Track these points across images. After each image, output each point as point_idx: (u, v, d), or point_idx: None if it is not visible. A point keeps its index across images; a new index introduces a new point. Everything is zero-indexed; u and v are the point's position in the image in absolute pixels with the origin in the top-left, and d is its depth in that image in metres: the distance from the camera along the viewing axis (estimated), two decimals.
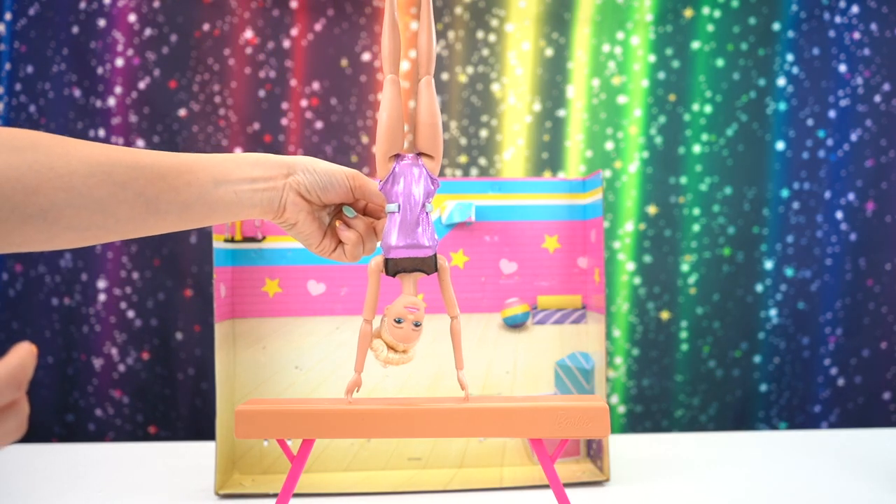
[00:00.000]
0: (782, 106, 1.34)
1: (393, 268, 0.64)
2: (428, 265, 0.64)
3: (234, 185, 0.61)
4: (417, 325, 0.63)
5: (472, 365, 0.99)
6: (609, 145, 1.34)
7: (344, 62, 1.32)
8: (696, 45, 1.34)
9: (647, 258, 1.34)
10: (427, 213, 0.63)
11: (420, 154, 0.65)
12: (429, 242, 0.63)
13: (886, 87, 1.33)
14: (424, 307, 0.64)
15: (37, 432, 1.28)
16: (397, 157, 0.64)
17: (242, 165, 0.62)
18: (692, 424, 1.35)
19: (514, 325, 1.00)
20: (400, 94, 0.64)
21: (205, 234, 1.29)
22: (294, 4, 1.31)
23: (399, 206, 0.63)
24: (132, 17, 1.29)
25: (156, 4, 1.29)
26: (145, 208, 0.58)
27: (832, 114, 1.34)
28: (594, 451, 0.98)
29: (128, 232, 0.59)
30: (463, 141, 1.33)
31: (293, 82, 1.31)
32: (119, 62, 1.29)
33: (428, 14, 0.64)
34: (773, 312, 1.35)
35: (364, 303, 0.64)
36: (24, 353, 0.44)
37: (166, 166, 0.59)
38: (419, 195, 0.63)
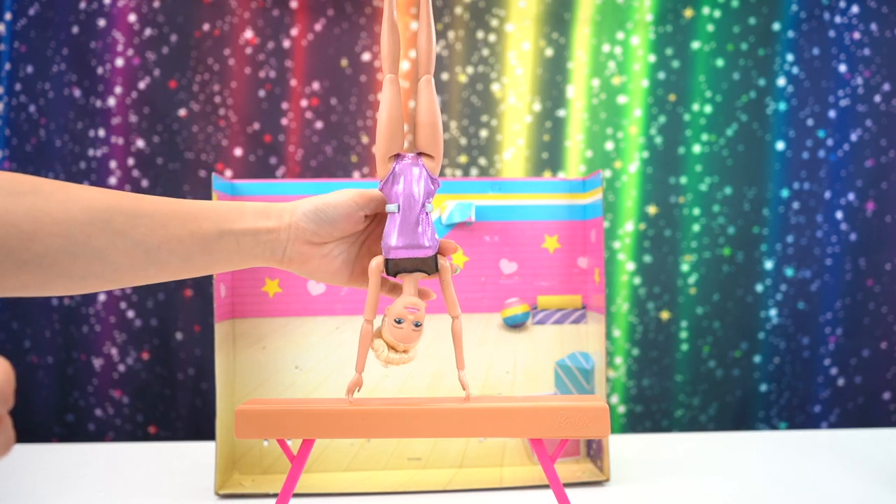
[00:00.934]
0: (782, 106, 1.34)
1: (393, 268, 0.63)
2: (428, 265, 0.63)
3: (238, 236, 0.61)
4: (418, 325, 0.63)
5: (472, 365, 0.99)
6: (609, 145, 1.34)
7: (344, 62, 1.32)
8: (696, 45, 1.34)
9: (647, 258, 1.34)
10: (427, 213, 0.63)
11: (420, 154, 0.65)
12: (429, 243, 0.63)
13: (886, 87, 1.33)
14: (425, 307, 0.64)
15: (37, 432, 1.28)
16: (397, 156, 0.64)
17: (246, 215, 0.61)
18: (692, 424, 1.35)
19: (514, 325, 1.00)
20: (400, 94, 0.64)
21: None
22: (294, 4, 1.31)
23: (399, 206, 0.63)
24: (132, 17, 1.29)
25: (156, 4, 1.29)
26: (145, 257, 0.57)
27: (832, 114, 1.34)
28: (594, 451, 0.98)
29: (126, 281, 0.58)
30: (463, 141, 1.33)
31: (293, 82, 1.31)
32: (119, 62, 1.29)
33: (427, 13, 0.64)
34: (773, 312, 1.35)
35: (365, 303, 0.64)
36: (3, 370, 0.41)
37: (168, 214, 0.58)
38: (419, 195, 0.63)
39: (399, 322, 0.62)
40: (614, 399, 1.34)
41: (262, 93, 1.31)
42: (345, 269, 0.66)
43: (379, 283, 0.64)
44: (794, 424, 1.35)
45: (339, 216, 0.63)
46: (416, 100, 0.65)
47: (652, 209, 1.34)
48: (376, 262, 0.64)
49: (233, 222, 0.60)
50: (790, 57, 1.34)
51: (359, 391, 0.64)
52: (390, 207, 0.63)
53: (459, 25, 1.33)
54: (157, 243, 0.57)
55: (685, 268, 1.34)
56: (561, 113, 1.34)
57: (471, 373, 0.99)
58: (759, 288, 1.34)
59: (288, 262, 0.64)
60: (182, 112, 1.29)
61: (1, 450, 0.43)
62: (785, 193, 1.34)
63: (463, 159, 1.33)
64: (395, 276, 0.64)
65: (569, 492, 0.66)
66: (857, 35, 1.33)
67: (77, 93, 1.29)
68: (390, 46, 0.64)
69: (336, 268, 0.66)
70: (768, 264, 1.34)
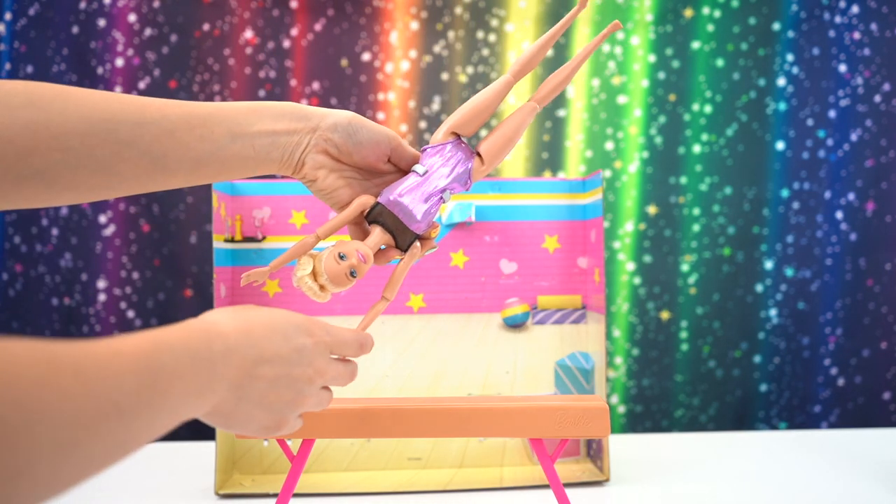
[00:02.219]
0: (782, 106, 1.34)
1: (375, 216, 0.60)
2: (403, 237, 0.61)
3: (253, 139, 0.56)
4: (353, 274, 0.58)
5: (472, 365, 0.99)
6: (609, 145, 1.34)
7: (344, 62, 1.32)
8: (696, 45, 1.34)
9: (647, 258, 1.34)
10: (441, 200, 0.62)
11: (477, 154, 0.64)
12: (422, 221, 0.61)
13: (886, 86, 1.33)
14: (370, 265, 0.59)
15: None
16: (458, 138, 0.63)
17: (264, 117, 0.57)
18: (692, 424, 1.35)
19: (514, 325, 1.00)
20: (502, 95, 0.64)
21: (205, 235, 1.29)
22: (294, 4, 1.31)
23: (425, 173, 0.62)
24: (132, 17, 1.29)
25: (156, 4, 1.29)
26: (152, 167, 0.54)
27: (832, 114, 1.34)
28: (594, 451, 0.98)
29: (133, 189, 0.55)
30: None
31: (293, 82, 1.31)
32: (119, 62, 1.29)
33: (581, 57, 0.64)
34: (773, 312, 1.35)
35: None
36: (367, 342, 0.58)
37: (176, 119, 0.54)
38: (448, 180, 0.62)
39: (341, 258, 0.57)
40: (614, 399, 1.34)
41: (262, 93, 1.31)
42: (344, 200, 0.62)
43: (352, 217, 0.61)
44: (794, 424, 1.35)
45: (368, 141, 0.60)
46: (512, 115, 0.64)
47: (652, 209, 1.34)
48: (364, 199, 0.61)
49: (248, 125, 0.56)
50: (790, 57, 1.34)
51: (258, 284, 0.60)
52: (417, 168, 0.62)
53: (459, 25, 1.33)
54: (163, 152, 0.53)
55: (685, 268, 1.35)
56: (561, 113, 1.34)
57: (471, 373, 0.99)
58: (759, 288, 1.34)
59: (299, 170, 0.59)
60: None
61: (345, 377, 0.57)
62: (785, 193, 1.34)
63: None
64: (370, 223, 0.61)
65: (569, 492, 0.66)
66: (857, 35, 1.33)
67: None
68: (530, 57, 0.64)
69: (338, 194, 0.61)
70: (768, 264, 1.34)
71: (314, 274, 0.58)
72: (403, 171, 0.64)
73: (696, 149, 1.34)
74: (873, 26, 1.33)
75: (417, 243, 0.62)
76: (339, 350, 0.56)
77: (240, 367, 0.48)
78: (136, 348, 0.39)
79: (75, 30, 1.28)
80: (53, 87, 0.51)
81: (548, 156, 1.34)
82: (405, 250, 0.62)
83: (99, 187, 0.53)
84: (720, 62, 1.34)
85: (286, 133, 0.58)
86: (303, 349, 0.52)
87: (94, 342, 0.37)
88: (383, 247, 0.62)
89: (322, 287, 0.58)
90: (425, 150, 0.63)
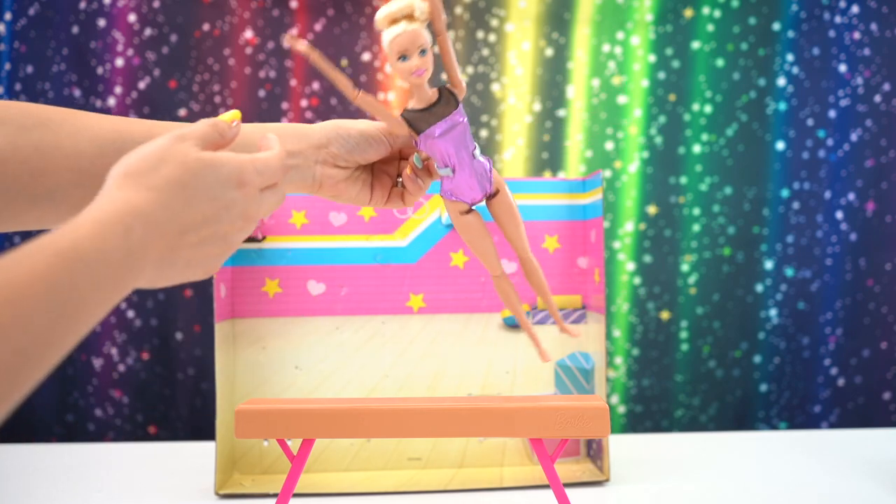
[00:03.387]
0: (782, 106, 1.34)
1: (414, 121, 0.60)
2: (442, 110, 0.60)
3: None
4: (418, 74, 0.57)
5: (472, 365, 0.99)
6: (609, 145, 1.34)
7: (344, 62, 1.32)
8: (696, 45, 1.34)
9: (647, 258, 1.34)
10: (472, 158, 0.62)
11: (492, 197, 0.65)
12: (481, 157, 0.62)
13: (886, 86, 1.33)
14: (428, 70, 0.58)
15: (37, 432, 1.28)
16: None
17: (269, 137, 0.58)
18: (692, 424, 1.34)
19: (515, 325, 1.00)
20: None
21: None
22: (294, 4, 1.31)
23: (453, 169, 0.62)
24: (132, 17, 1.29)
25: (156, 4, 1.29)
26: None
27: (832, 114, 1.34)
28: (594, 451, 0.98)
29: None
30: None
31: (293, 82, 1.31)
32: (119, 62, 1.29)
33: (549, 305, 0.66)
34: (773, 312, 1.35)
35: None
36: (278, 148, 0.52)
37: None
38: (468, 149, 0.62)
39: (403, 59, 0.57)
40: (614, 399, 1.34)
41: (262, 93, 1.31)
42: (365, 191, 0.64)
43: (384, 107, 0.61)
44: (794, 424, 1.35)
45: (362, 142, 0.61)
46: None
47: (652, 209, 1.34)
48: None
49: (255, 146, 0.55)
50: (790, 57, 1.34)
51: (301, 50, 0.57)
52: (444, 171, 0.62)
53: (459, 25, 1.33)
54: None
55: (685, 268, 1.34)
56: (561, 113, 1.34)
57: (471, 373, 0.99)
58: (759, 288, 1.34)
59: (319, 189, 0.61)
60: (182, 112, 1.29)
61: (272, 207, 0.53)
62: (785, 193, 1.34)
63: None
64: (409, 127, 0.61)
65: (569, 492, 0.66)
66: (857, 35, 1.33)
67: (77, 93, 1.29)
68: (490, 251, 0.66)
69: (358, 189, 0.63)
70: (768, 264, 1.34)
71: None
72: (408, 151, 0.65)
73: (696, 149, 1.34)
74: (873, 26, 1.33)
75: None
76: (269, 181, 0.52)
77: (161, 244, 0.45)
78: (46, 271, 0.38)
79: (75, 30, 1.28)
80: (64, 110, 0.52)
81: (548, 156, 1.34)
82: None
83: None
84: (720, 62, 1.34)
85: (293, 154, 0.58)
86: (232, 205, 0.49)
87: None
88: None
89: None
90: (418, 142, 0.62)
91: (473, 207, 0.65)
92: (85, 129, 0.52)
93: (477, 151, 0.63)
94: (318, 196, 0.63)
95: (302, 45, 0.57)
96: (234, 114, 0.56)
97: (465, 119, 0.61)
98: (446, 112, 0.60)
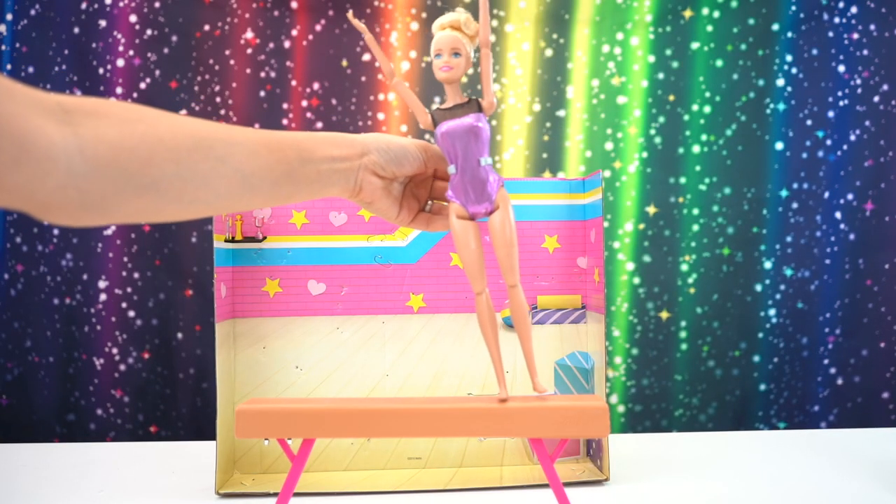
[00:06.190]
0: (781, 106, 1.34)
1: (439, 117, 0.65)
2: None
3: (318, 164, 0.62)
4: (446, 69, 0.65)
5: (472, 365, 0.99)
6: (608, 145, 1.34)
7: (344, 62, 1.32)
8: (695, 45, 1.34)
9: (647, 258, 1.34)
10: (480, 165, 0.64)
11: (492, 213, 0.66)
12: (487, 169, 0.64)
13: (885, 87, 1.33)
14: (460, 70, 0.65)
15: (38, 432, 1.28)
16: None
17: (323, 144, 0.63)
18: (691, 424, 1.35)
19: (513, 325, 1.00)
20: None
21: (205, 235, 1.29)
22: (294, 5, 1.31)
23: (457, 166, 0.65)
24: (133, 18, 1.29)
25: (156, 5, 1.29)
26: (242, 184, 0.58)
27: (831, 114, 1.34)
28: (594, 451, 0.98)
29: (224, 207, 0.59)
30: None
31: (293, 82, 1.32)
32: (120, 62, 1.29)
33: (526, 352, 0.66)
34: (772, 312, 1.35)
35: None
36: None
37: (257, 143, 0.59)
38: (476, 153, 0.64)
39: (438, 56, 0.65)
40: (614, 399, 1.34)
41: (262, 93, 1.31)
42: (395, 206, 0.68)
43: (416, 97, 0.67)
44: (793, 424, 1.35)
45: (402, 156, 0.66)
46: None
47: (651, 209, 1.34)
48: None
49: (312, 151, 0.62)
50: (789, 57, 1.34)
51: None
52: (450, 169, 0.65)
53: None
54: (251, 170, 0.58)
55: (685, 268, 1.35)
56: (561, 113, 1.34)
57: (471, 373, 0.99)
58: (759, 288, 1.35)
59: (358, 192, 0.65)
60: (183, 112, 1.29)
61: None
62: (784, 193, 1.35)
63: None
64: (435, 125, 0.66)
65: (569, 491, 0.66)
66: (856, 35, 1.33)
67: (78, 93, 1.29)
68: (472, 265, 0.65)
69: (390, 203, 0.68)
70: (767, 264, 1.35)
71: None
72: (443, 171, 0.69)
73: (696, 149, 1.34)
74: (872, 27, 1.33)
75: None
76: None
77: None
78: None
79: (76, 30, 1.29)
80: (153, 110, 0.56)
81: (547, 156, 1.34)
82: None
83: (199, 201, 0.57)
84: (719, 62, 1.34)
85: (342, 159, 0.63)
86: None
87: None
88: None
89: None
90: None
91: (475, 220, 0.66)
92: (179, 126, 0.56)
93: (485, 160, 0.64)
94: (356, 202, 0.67)
95: (360, 24, 0.66)
96: None
97: (483, 126, 0.64)
98: (463, 113, 0.65)
